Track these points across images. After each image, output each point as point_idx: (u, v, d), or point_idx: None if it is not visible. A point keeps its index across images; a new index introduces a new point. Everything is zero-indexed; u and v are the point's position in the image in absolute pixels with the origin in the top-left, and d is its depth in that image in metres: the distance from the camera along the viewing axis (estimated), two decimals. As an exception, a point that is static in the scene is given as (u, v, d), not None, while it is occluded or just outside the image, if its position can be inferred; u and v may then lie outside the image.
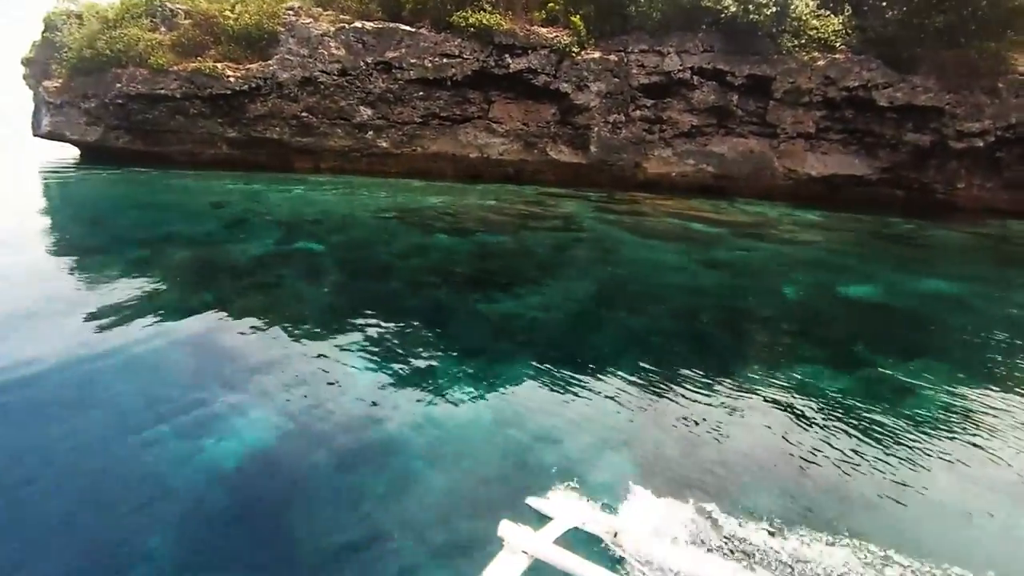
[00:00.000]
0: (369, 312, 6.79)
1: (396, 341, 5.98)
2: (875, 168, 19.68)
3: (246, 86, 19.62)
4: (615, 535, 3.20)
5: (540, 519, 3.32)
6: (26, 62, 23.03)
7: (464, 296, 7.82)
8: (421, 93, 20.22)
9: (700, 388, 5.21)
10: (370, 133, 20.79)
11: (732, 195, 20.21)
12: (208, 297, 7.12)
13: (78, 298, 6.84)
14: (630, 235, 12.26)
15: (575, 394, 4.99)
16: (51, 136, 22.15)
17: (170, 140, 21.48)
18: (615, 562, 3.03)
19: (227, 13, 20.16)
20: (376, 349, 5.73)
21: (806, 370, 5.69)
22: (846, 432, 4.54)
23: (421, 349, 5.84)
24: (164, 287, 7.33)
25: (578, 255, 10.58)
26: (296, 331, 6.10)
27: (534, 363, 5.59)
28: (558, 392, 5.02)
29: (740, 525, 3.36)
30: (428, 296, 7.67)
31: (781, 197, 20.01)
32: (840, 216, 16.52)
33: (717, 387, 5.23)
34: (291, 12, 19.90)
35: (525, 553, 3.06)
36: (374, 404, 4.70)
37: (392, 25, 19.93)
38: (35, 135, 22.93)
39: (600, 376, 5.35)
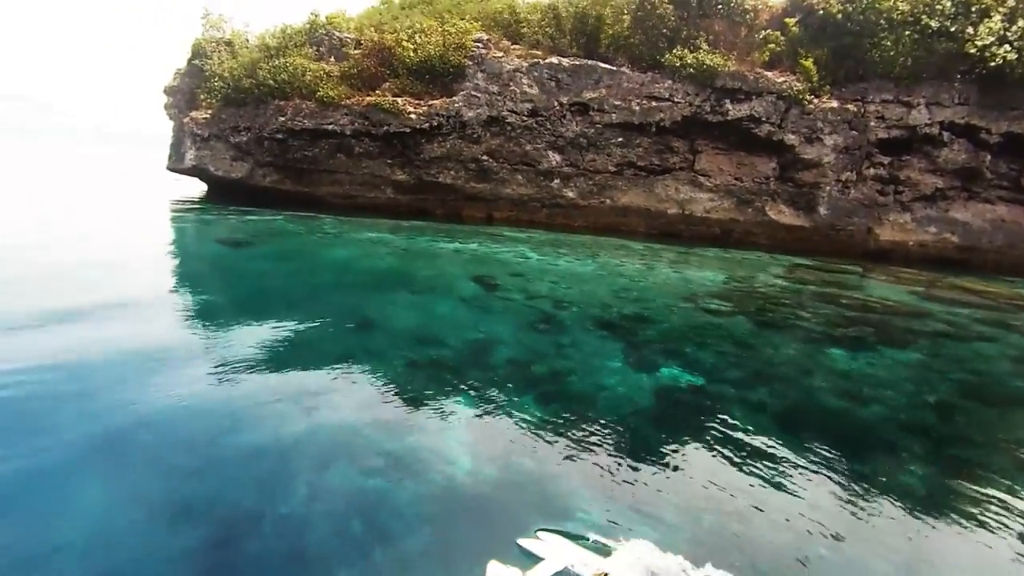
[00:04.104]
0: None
1: None
2: None
3: (427, 124, 17.28)
4: None
5: (529, 560, 3.11)
6: (169, 91, 21.08)
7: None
8: (620, 139, 17.68)
9: None
10: (556, 181, 18.22)
11: (976, 270, 17.07)
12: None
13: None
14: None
15: None
16: (194, 171, 20.00)
17: (323, 180, 19.18)
18: None
19: (405, 44, 18.03)
20: None
21: None
22: None
23: None
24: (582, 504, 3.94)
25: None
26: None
27: None
28: None
29: None
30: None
31: (1030, 274, 16.86)
32: None
33: None
34: (480, 44, 17.70)
35: None
36: None
37: (590, 63, 17.60)
38: (172, 168, 20.78)
39: None
